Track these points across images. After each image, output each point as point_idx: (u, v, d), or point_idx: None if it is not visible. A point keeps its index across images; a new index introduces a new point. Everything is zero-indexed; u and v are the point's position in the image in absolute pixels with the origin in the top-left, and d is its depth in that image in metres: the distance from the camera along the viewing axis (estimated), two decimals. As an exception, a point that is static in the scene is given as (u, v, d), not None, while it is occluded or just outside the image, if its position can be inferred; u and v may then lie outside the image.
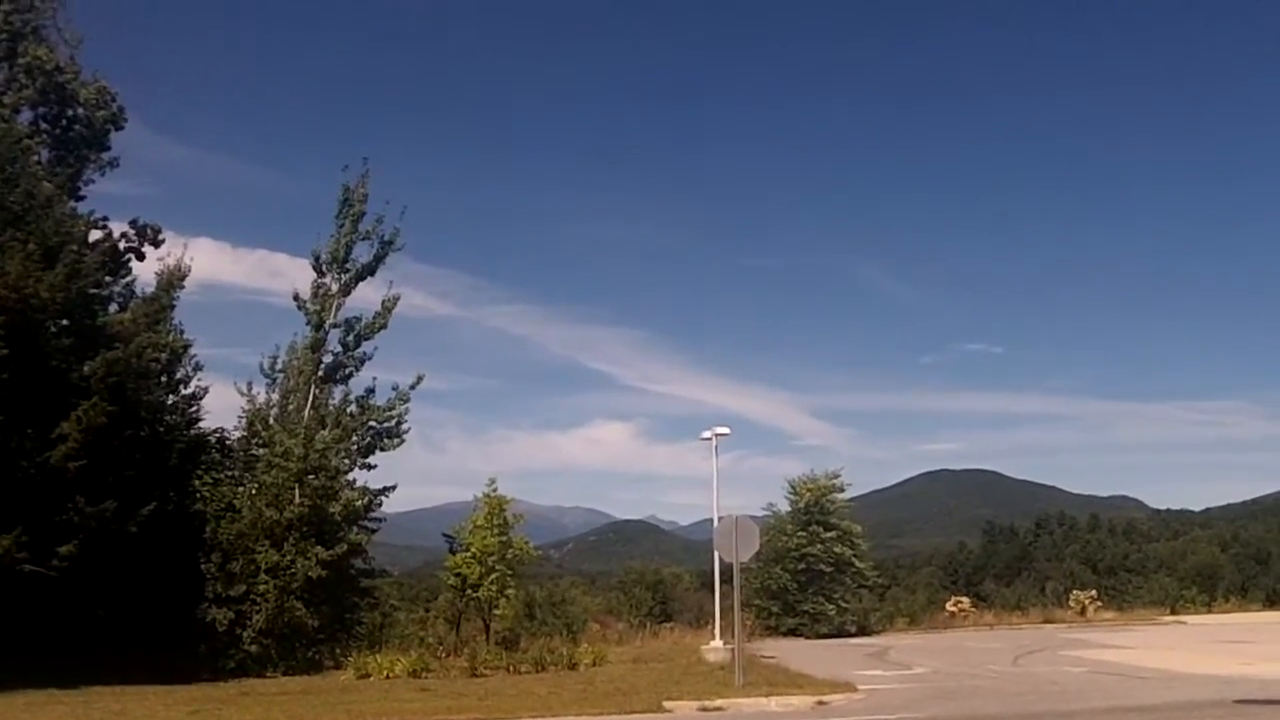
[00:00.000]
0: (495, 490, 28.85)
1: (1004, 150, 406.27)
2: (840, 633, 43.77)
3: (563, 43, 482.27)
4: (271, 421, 30.23)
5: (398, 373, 36.32)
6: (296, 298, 30.83)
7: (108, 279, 29.18)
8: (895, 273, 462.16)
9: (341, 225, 30.79)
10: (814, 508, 45.17)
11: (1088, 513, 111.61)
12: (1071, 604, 54.46)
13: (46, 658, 22.27)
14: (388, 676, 23.46)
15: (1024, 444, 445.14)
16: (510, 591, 28.77)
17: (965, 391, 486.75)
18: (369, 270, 30.95)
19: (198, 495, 27.97)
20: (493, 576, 27.81)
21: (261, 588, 26.80)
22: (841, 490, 46.59)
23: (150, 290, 30.22)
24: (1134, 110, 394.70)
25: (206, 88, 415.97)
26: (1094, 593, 56.45)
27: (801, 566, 44.28)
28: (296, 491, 27.96)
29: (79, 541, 22.67)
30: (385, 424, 30.60)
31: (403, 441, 30.92)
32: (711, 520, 26.21)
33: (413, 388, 31.14)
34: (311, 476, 28.16)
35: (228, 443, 30.67)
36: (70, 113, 29.52)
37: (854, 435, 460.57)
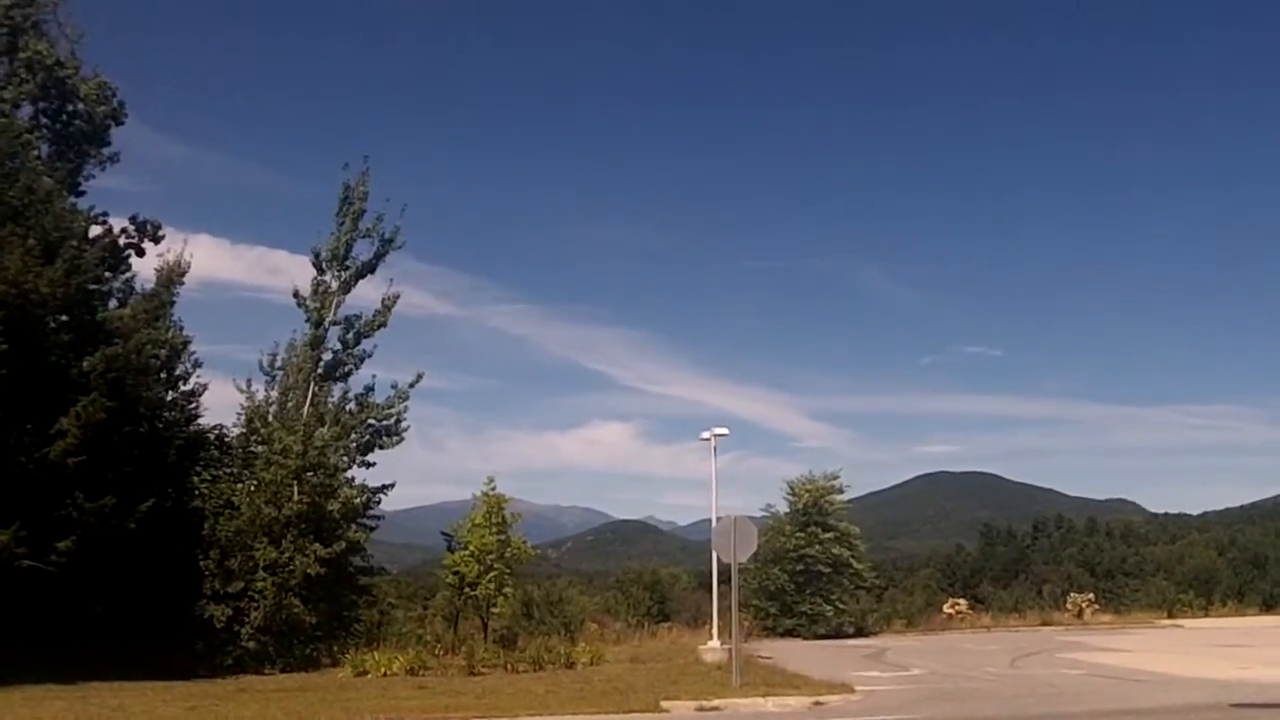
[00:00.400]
0: (494, 489, 28.92)
1: (1004, 153, 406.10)
2: (838, 634, 43.79)
3: (563, 42, 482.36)
4: (270, 419, 30.24)
5: (397, 371, 36.53)
6: (296, 295, 30.86)
7: (107, 275, 29.19)
8: (894, 275, 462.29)
9: (342, 223, 30.82)
10: (812, 509, 45.20)
11: (1085, 516, 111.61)
12: (1069, 607, 54.46)
13: (45, 653, 22.28)
14: (385, 674, 23.47)
15: (1022, 447, 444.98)
16: (508, 590, 28.83)
17: (964, 394, 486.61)
18: (369, 268, 30.99)
19: (196, 492, 27.99)
20: (491, 575, 27.86)
21: (260, 585, 26.81)
22: (840, 492, 46.64)
23: (150, 286, 30.23)
24: (1133, 114, 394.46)
25: (207, 84, 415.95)
26: (1091, 596, 56.44)
27: (799, 567, 44.32)
28: (295, 489, 27.99)
29: (78, 537, 22.68)
30: (384, 422, 30.64)
31: (402, 440, 31.01)
32: (710, 520, 26.23)
33: (412, 386, 31.26)
34: (310, 474, 28.18)
35: (227, 439, 30.70)
36: (70, 108, 29.49)
37: (852, 437, 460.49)
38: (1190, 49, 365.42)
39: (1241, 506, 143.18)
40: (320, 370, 30.54)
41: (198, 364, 30.60)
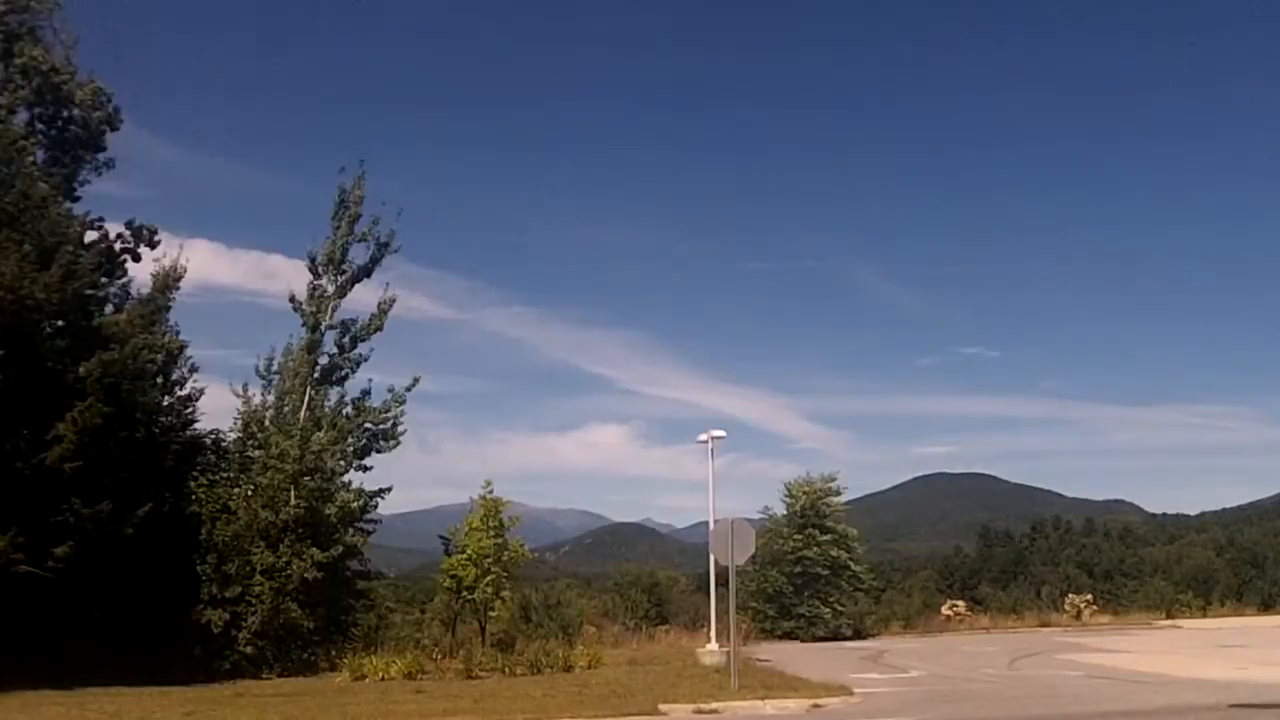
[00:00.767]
0: (491, 492, 28.87)
1: (1002, 153, 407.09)
2: (836, 636, 43.81)
3: (562, 43, 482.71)
4: (267, 423, 30.22)
5: (393, 375, 36.38)
6: (292, 299, 30.84)
7: (103, 280, 29.11)
8: (892, 276, 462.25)
9: (337, 227, 30.81)
10: (810, 511, 45.23)
11: (1084, 517, 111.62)
12: (1067, 608, 54.52)
13: (42, 659, 22.20)
14: (383, 678, 23.44)
15: (1020, 448, 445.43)
16: (506, 593, 28.77)
17: (961, 395, 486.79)
18: (365, 272, 30.99)
19: (193, 497, 27.93)
20: (488, 578, 27.79)
21: (257, 589, 26.78)
22: (837, 493, 46.73)
23: (146, 291, 30.17)
24: (1133, 113, 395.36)
25: (202, 89, 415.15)
26: (1090, 597, 56.53)
27: (797, 569, 44.35)
28: (292, 493, 27.96)
29: (74, 543, 22.64)
30: (381, 426, 30.63)
31: (399, 444, 31.00)
32: (707, 523, 26.24)
33: (409, 390, 31.23)
34: (307, 478, 28.16)
35: (223, 444, 30.65)
36: (66, 113, 29.42)
37: (850, 439, 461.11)
38: (1190, 49, 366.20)
39: (1240, 506, 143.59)
40: (317, 374, 30.52)
41: (194, 369, 30.57)
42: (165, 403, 29.23)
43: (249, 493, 28.19)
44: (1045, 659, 29.35)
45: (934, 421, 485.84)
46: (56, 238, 25.53)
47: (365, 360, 30.90)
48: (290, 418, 29.88)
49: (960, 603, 55.23)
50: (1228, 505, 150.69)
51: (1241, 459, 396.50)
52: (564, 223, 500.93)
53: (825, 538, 44.52)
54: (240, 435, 30.51)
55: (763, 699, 18.31)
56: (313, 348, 30.38)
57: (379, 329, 30.92)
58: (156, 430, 27.76)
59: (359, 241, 30.80)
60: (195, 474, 28.78)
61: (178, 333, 30.57)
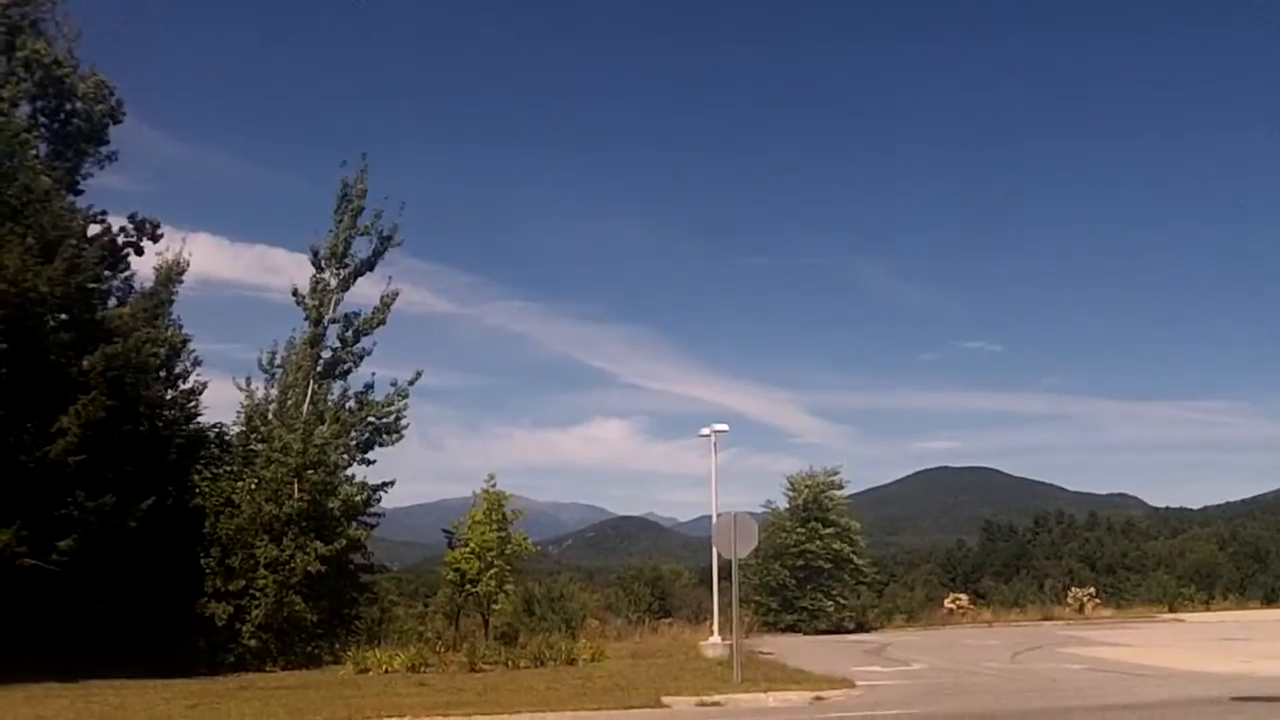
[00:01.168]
0: (494, 486, 28.88)
1: (1004, 150, 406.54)
2: (838, 629, 43.78)
3: (562, 40, 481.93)
4: (270, 417, 30.26)
5: (396, 369, 36.53)
6: (295, 293, 30.85)
7: (106, 273, 29.17)
8: (895, 271, 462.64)
9: (340, 221, 30.79)
10: (812, 505, 45.19)
11: (1086, 511, 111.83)
12: (1070, 601, 54.50)
13: (46, 652, 22.31)
14: (386, 671, 23.46)
15: (1023, 442, 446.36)
16: (509, 587, 28.80)
17: (964, 390, 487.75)
18: (368, 266, 30.97)
19: (197, 490, 27.99)
20: (491, 572, 27.82)
21: (260, 582, 26.82)
22: (840, 487, 46.60)
23: (149, 285, 30.24)
24: (1134, 111, 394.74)
25: (205, 83, 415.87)
26: (1092, 590, 56.47)
27: (800, 563, 44.31)
28: (295, 486, 28.00)
29: (78, 536, 22.68)
30: (384, 420, 30.64)
31: (401, 437, 31.03)
32: (710, 517, 26.23)
33: (411, 384, 31.26)
34: (310, 472, 28.19)
35: (226, 438, 30.70)
36: (68, 107, 29.44)
37: (853, 433, 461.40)
38: (1191, 47, 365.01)
39: (1242, 501, 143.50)
40: (320, 368, 30.53)
41: (197, 362, 30.69)
42: (168, 396, 29.30)
43: (252, 486, 28.21)
44: (1047, 652, 29.35)
45: (936, 416, 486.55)
46: (59, 231, 25.55)
47: (368, 354, 30.98)
48: (293, 411, 29.90)
49: (963, 596, 55.18)
50: (1230, 499, 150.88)
51: (1244, 454, 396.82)
52: (566, 218, 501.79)
53: (828, 531, 44.49)
54: (243, 429, 30.55)
55: (765, 691, 18.32)
56: (315, 341, 30.38)
57: (382, 323, 30.93)
58: (160, 424, 27.82)
59: (361, 235, 30.80)
60: (199, 467, 28.84)
61: (180, 326, 30.71)
